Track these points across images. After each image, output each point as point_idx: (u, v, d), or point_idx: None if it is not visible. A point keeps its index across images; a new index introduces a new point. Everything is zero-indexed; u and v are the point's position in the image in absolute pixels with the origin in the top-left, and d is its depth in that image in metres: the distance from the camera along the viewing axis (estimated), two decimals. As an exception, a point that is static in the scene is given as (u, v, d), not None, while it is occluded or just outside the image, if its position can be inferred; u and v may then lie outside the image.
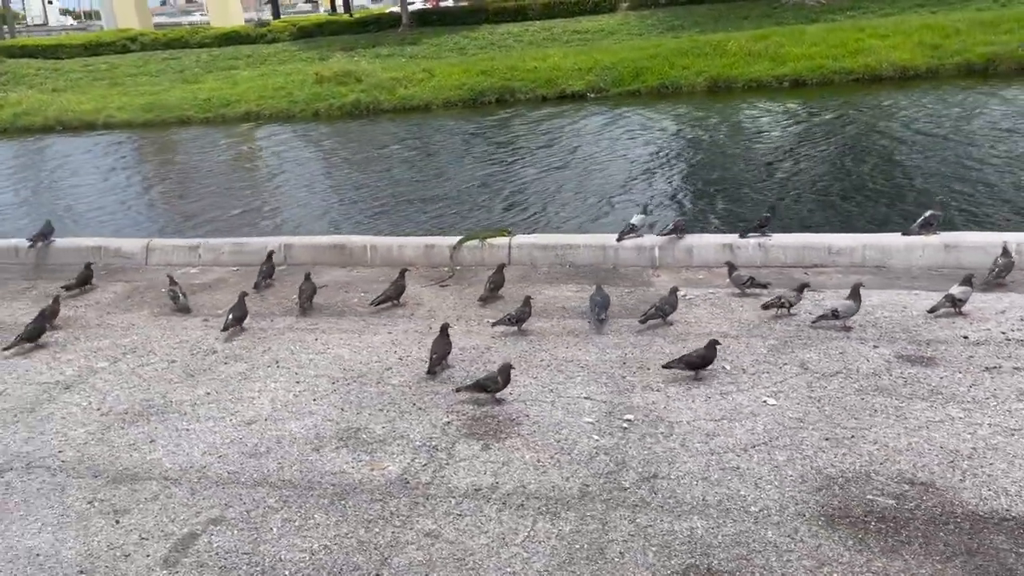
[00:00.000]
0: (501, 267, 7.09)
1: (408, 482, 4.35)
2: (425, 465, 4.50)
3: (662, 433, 4.63)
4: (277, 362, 6.06)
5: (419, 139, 19.87)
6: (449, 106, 24.61)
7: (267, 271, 7.59)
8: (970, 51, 22.49)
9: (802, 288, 6.20)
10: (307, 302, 7.10)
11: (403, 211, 12.42)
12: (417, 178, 15.05)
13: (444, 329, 5.75)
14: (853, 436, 4.45)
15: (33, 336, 6.71)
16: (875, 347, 5.55)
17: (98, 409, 5.48)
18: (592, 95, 24.25)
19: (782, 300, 6.15)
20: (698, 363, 5.21)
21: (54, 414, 5.45)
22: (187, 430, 5.10)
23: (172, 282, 7.54)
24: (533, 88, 24.96)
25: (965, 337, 5.59)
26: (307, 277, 7.47)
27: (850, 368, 5.26)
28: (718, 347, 5.28)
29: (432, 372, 5.60)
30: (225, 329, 6.63)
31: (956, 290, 5.90)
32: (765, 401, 4.89)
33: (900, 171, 12.43)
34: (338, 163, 17.44)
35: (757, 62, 24.48)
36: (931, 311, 5.95)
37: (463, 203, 12.57)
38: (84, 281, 8.07)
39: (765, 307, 6.23)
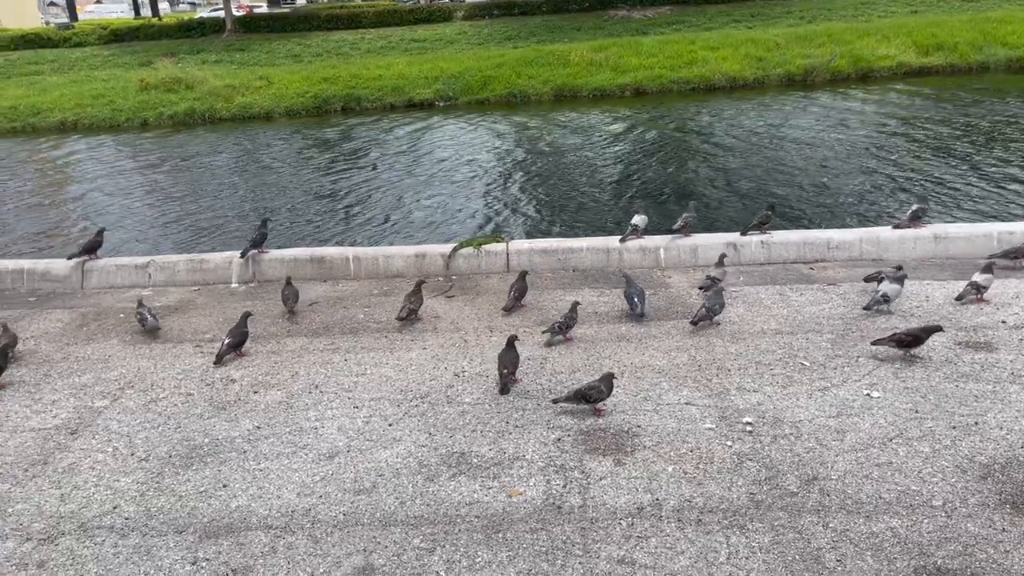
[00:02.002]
0: (523, 274, 6.78)
1: (560, 507, 3.99)
2: (566, 487, 4.16)
3: (791, 434, 4.53)
4: (317, 387, 5.47)
5: (257, 148, 19.01)
6: (292, 114, 23.83)
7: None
8: (790, 63, 24.45)
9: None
10: (294, 304, 6.75)
11: (234, 225, 11.86)
12: (254, 189, 14.40)
13: (511, 342, 5.39)
14: (976, 423, 4.53)
15: (-9, 375, 5.71)
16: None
17: (132, 455, 4.70)
18: (441, 103, 24.22)
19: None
20: (911, 342, 5.21)
21: (78, 465, 4.62)
22: (260, 470, 4.47)
23: (140, 304, 6.69)
24: (380, 96, 24.62)
25: (1003, 322, 5.87)
26: (288, 282, 6.98)
27: (921, 357, 5.37)
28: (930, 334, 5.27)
29: (506, 389, 5.23)
30: (219, 358, 5.92)
31: (979, 277, 6.20)
32: (869, 395, 4.91)
33: (727, 174, 13.21)
34: (167, 176, 16.31)
35: (600, 72, 25.38)
36: (958, 299, 6.22)
37: (308, 214, 12.22)
38: None
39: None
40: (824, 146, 14.58)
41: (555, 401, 4.94)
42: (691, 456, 4.36)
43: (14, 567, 3.76)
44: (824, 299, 6.48)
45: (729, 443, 4.47)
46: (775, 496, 3.98)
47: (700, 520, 3.83)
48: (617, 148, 15.93)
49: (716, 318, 6.09)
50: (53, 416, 5.24)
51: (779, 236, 7.54)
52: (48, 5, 73.21)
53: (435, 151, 16.79)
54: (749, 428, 4.61)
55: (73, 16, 52.15)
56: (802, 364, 5.37)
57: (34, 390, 5.65)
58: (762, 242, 7.45)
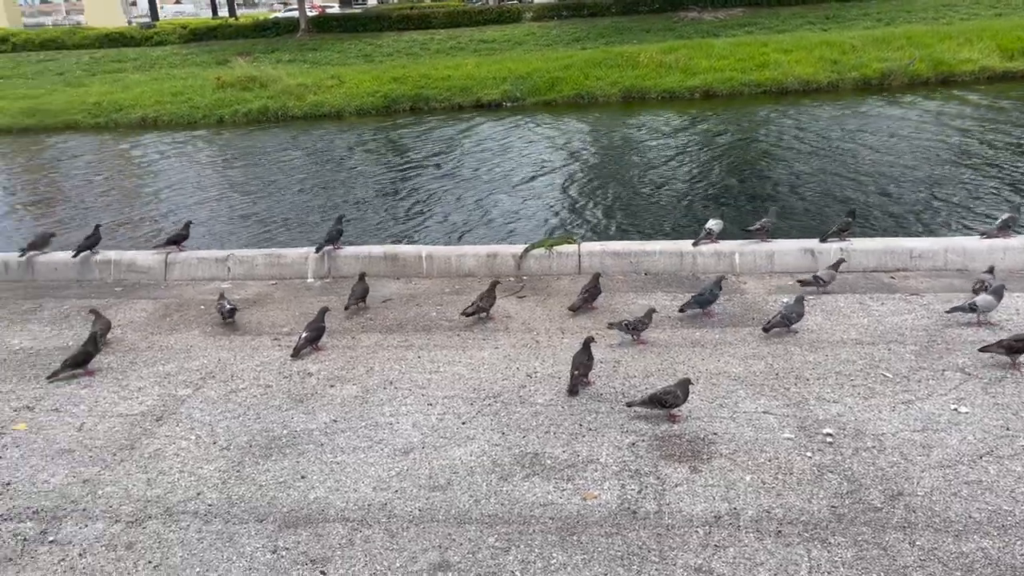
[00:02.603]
0: (596, 276, 6.75)
1: (635, 512, 3.96)
2: (641, 492, 4.12)
3: (874, 447, 4.41)
4: (392, 383, 5.53)
5: (328, 146, 19.32)
6: (362, 113, 24.13)
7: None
8: (867, 67, 23.78)
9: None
10: (355, 302, 6.79)
11: (307, 221, 12.04)
12: (325, 186, 14.62)
13: (587, 343, 5.37)
14: (1072, 442, 4.34)
15: (81, 361, 5.92)
16: (1021, 350, 5.50)
17: (214, 443, 4.83)
18: (508, 104, 24.26)
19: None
20: (1021, 348, 5.11)
21: (163, 451, 4.76)
22: (338, 463, 4.54)
23: (221, 296, 6.87)
24: (448, 96, 24.78)
25: (1102, 337, 5.60)
26: (361, 278, 7.06)
27: (1013, 372, 5.17)
28: None
29: (574, 390, 5.21)
30: (297, 352, 6.03)
31: (1074, 292, 5.94)
32: (956, 409, 4.75)
33: (801, 179, 12.88)
34: (241, 172, 16.70)
35: (669, 73, 25.09)
36: (1051, 313, 5.98)
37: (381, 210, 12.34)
38: None
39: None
40: (903, 152, 14.17)
41: (629, 405, 4.90)
42: (769, 466, 4.28)
43: (104, 548, 3.89)
44: (906, 309, 6.30)
45: (809, 454, 4.37)
46: (858, 510, 3.88)
47: (780, 531, 3.75)
48: (686, 151, 15.76)
49: (794, 326, 5.97)
50: (139, 403, 5.41)
51: (859, 244, 7.35)
52: (131, 5, 75.86)
53: (501, 151, 16.85)
54: (830, 439, 4.50)
55: (155, 16, 53.90)
56: (884, 375, 5.23)
57: (121, 377, 5.84)
58: (841, 249, 7.28)
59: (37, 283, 8.18)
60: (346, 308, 6.81)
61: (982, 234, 7.34)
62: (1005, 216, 7.30)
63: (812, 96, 22.55)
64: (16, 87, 30.85)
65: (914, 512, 3.84)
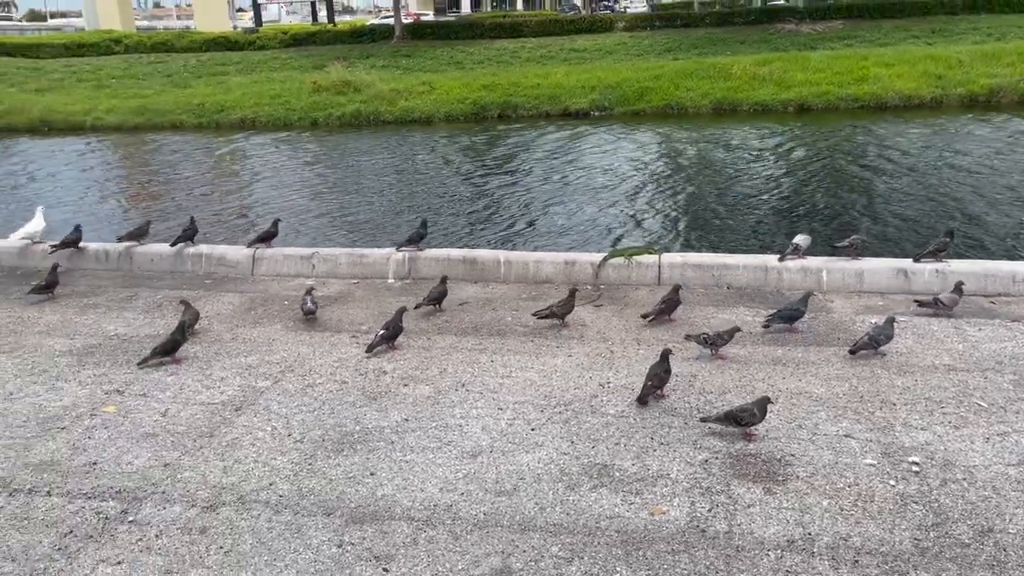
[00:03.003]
0: (677, 288, 6.63)
1: (704, 531, 3.85)
2: (711, 511, 4.00)
3: (964, 479, 4.17)
4: (464, 385, 5.54)
5: (417, 150, 19.56)
6: (451, 119, 24.38)
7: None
8: (973, 83, 22.72)
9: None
10: (428, 303, 6.85)
11: (392, 222, 12.14)
12: (412, 189, 14.76)
13: (665, 355, 5.26)
14: None
15: (170, 349, 6.13)
16: None
17: (289, 435, 4.92)
18: (596, 113, 24.13)
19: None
20: None
21: (240, 440, 4.88)
22: (407, 462, 4.57)
23: (308, 292, 7.02)
24: (536, 104, 24.82)
25: None
26: (443, 281, 7.08)
27: (1122, 409, 4.84)
28: None
29: (644, 400, 5.12)
30: (371, 348, 6.10)
31: None
32: (1057, 444, 4.45)
33: (894, 197, 12.30)
34: (332, 173, 17.07)
35: (762, 86, 24.53)
36: None
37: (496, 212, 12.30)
38: (51, 285, 7.59)
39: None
40: (1009, 172, 13.49)
41: (704, 420, 4.78)
42: (848, 492, 4.10)
43: (179, 531, 4.01)
44: (1007, 336, 5.97)
45: (892, 482, 4.17)
46: (944, 545, 3.68)
47: (857, 561, 3.59)
48: (776, 164, 15.38)
49: (882, 348, 5.72)
50: (220, 392, 5.57)
51: (956, 265, 7.01)
52: (237, 11, 78.95)
53: (586, 160, 16.80)
54: (916, 468, 4.29)
55: (259, 21, 55.87)
56: (979, 404, 4.96)
57: (205, 366, 6.03)
58: (937, 271, 6.96)
59: (134, 273, 8.54)
60: (416, 307, 6.86)
61: (1094, 260, 6.90)
62: (1120, 242, 6.84)
63: (914, 112, 21.75)
64: (127, 87, 32.40)
65: (1005, 551, 3.62)
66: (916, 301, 6.51)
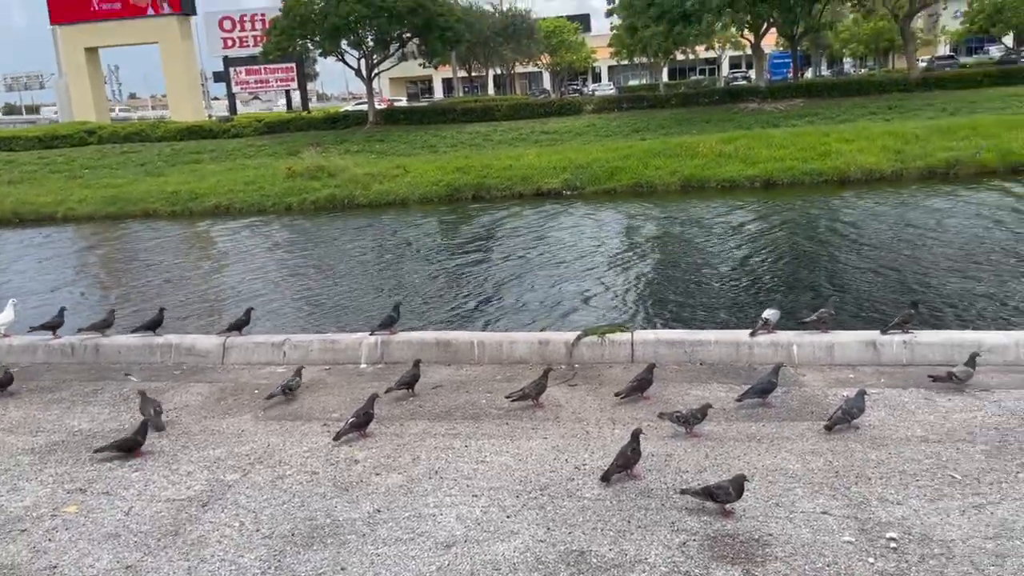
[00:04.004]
0: (651, 367, 6.64)
1: (684, 617, 3.75)
2: (691, 596, 3.91)
3: (942, 555, 4.14)
4: (437, 472, 5.45)
5: (391, 233, 19.78)
6: (425, 202, 24.70)
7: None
8: (931, 156, 23.51)
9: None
10: (398, 387, 6.80)
11: (366, 306, 12.15)
12: (386, 272, 14.84)
13: (635, 435, 5.23)
14: None
15: (128, 448, 5.97)
16: (1103, 451, 5.18)
17: (257, 530, 4.79)
18: (568, 192, 24.58)
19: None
20: None
21: (206, 538, 4.74)
22: (378, 555, 4.45)
23: (297, 373, 7.08)
24: (509, 185, 25.26)
25: None
26: (415, 364, 7.04)
27: (1094, 476, 4.86)
28: None
29: (607, 478, 5.08)
30: (338, 436, 6.01)
31: None
32: (1033, 515, 4.44)
33: (861, 270, 12.55)
34: (305, 258, 17.15)
35: (728, 163, 25.19)
36: None
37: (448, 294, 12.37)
38: (3, 384, 7.43)
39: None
40: (969, 243, 13.82)
41: (683, 492, 4.76)
42: (828, 571, 4.05)
43: (140, 636, 3.84)
44: (976, 406, 6.01)
45: (871, 559, 4.13)
46: (925, 624, 3.61)
47: (839, 645, 3.51)
48: (745, 240, 15.65)
49: (855, 421, 5.74)
50: (187, 487, 5.43)
51: (924, 336, 7.10)
52: (213, 100, 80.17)
53: (559, 239, 17.00)
54: (893, 545, 4.25)
55: (233, 109, 56.69)
56: (952, 476, 4.96)
57: (172, 461, 5.89)
58: (904, 342, 7.04)
59: (101, 365, 8.41)
60: (387, 391, 6.81)
61: (1056, 328, 7.02)
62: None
63: (875, 185, 22.34)
64: (101, 177, 32.59)
65: (987, 628, 3.56)
66: (930, 376, 6.44)
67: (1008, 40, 64.28)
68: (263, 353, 8.19)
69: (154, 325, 8.50)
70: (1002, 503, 4.61)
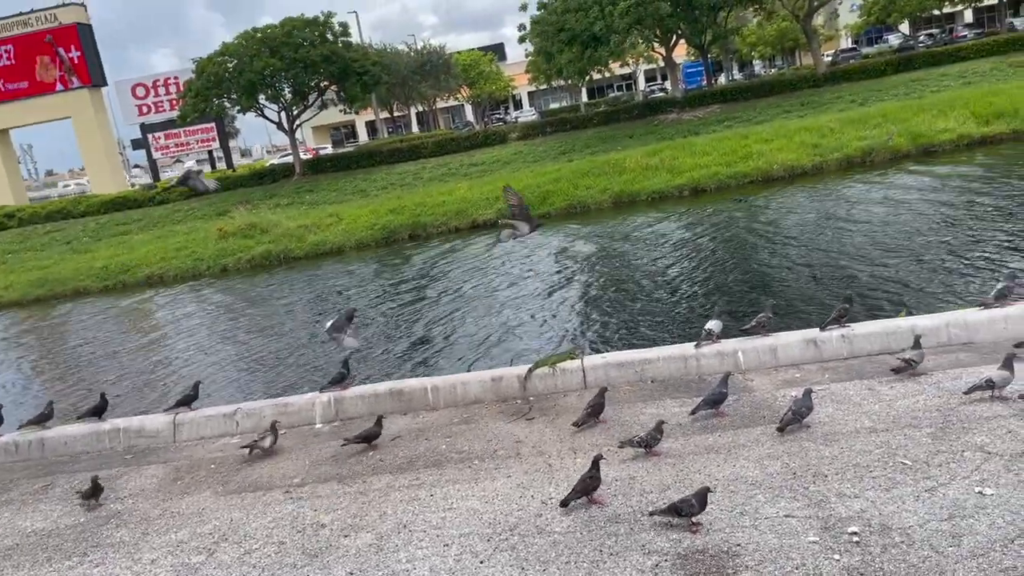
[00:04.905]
0: (603, 391, 6.73)
1: (665, 641, 3.81)
2: (669, 618, 3.98)
3: (902, 542, 4.29)
4: (406, 526, 5.44)
5: (329, 283, 19.70)
6: (362, 247, 24.68)
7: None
8: (847, 147, 24.45)
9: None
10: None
11: (314, 362, 12.13)
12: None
13: (596, 462, 5.30)
14: (1105, 514, 4.22)
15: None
16: (1038, 421, 5.43)
17: (230, 611, 4.70)
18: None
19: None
20: None
21: (178, 626, 4.63)
22: (356, 620, 4.41)
23: (272, 428, 7.17)
24: (444, 221, 25.42)
25: (1116, 400, 5.53)
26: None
27: (1032, 445, 5.08)
28: None
29: (566, 504, 5.17)
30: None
31: (1080, 356, 5.88)
32: (981, 492, 4.64)
33: (796, 267, 12.99)
34: (246, 319, 17.00)
35: (656, 175, 25.78)
36: (1062, 380, 5.90)
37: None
38: None
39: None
40: (892, 227, 14.36)
41: (651, 514, 4.85)
42: (797, 574, 4.15)
43: None
44: (917, 391, 6.24)
45: (836, 556, 4.25)
46: (895, 614, 3.73)
47: (816, 646, 3.60)
48: (679, 251, 15.98)
49: (805, 420, 5.90)
50: (152, 576, 5.30)
51: (860, 328, 7.35)
52: (134, 167, 78.75)
53: (500, 270, 17.10)
54: (856, 539, 4.38)
55: (156, 176, 55.84)
56: (903, 463, 5.14)
57: (133, 550, 5.75)
58: (843, 336, 7.27)
59: (48, 460, 8.16)
60: (343, 444, 6.85)
61: (981, 305, 7.34)
62: (1000, 285, 7.32)
63: (797, 180, 23.03)
64: (24, 260, 31.72)
65: (953, 609, 3.70)
66: (892, 369, 6.61)
67: (904, 28, 67.11)
68: (215, 426, 8.06)
69: (99, 411, 8.30)
70: (952, 483, 4.79)
